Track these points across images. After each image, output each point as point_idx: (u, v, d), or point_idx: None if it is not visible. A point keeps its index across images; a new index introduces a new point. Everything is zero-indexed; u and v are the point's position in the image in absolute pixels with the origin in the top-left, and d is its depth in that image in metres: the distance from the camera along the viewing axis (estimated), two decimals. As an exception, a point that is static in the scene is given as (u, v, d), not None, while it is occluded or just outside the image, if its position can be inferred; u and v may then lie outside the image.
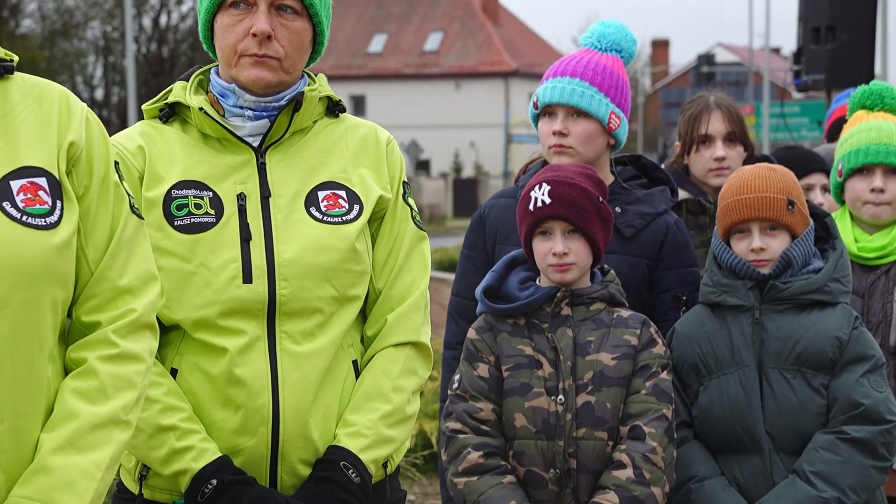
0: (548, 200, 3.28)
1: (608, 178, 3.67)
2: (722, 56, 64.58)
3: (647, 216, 3.62)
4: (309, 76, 2.88)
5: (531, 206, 3.32)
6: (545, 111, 3.60)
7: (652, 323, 3.38)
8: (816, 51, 9.28)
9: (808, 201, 3.64)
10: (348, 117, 2.91)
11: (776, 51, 52.51)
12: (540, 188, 3.31)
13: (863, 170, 3.94)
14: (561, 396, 3.24)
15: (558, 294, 3.31)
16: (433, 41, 63.55)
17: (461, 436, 3.29)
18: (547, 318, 3.31)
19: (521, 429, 3.27)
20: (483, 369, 3.33)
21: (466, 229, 3.83)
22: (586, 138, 3.55)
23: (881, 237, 3.94)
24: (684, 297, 3.62)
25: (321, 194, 2.76)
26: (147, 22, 47.84)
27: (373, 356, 2.81)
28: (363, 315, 2.86)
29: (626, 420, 3.27)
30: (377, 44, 64.95)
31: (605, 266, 3.45)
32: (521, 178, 3.75)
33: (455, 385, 3.36)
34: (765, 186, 3.47)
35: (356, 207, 2.77)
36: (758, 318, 3.45)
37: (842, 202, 4.05)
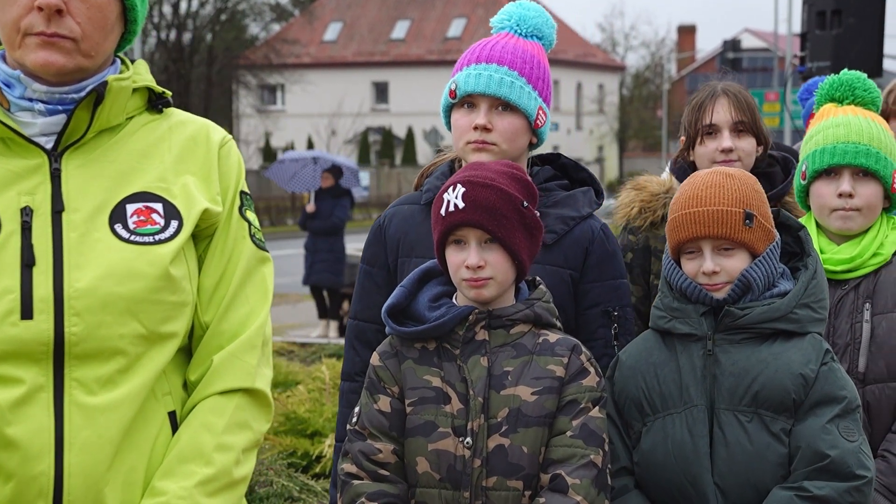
0: (461, 204, 2.83)
1: None
2: (749, 42, 63.70)
3: (570, 220, 3.18)
4: (123, 62, 2.36)
5: (443, 211, 2.86)
6: (463, 101, 3.14)
7: (584, 349, 2.92)
8: (821, 36, 8.83)
9: (780, 210, 3.11)
10: (176, 113, 2.40)
11: (803, 35, 51.63)
12: (454, 190, 2.86)
13: (829, 172, 3.41)
14: (468, 439, 2.79)
15: (471, 316, 2.86)
16: (456, 27, 63.12)
17: (356, 481, 2.85)
18: (459, 343, 2.86)
19: (424, 475, 2.83)
20: (384, 402, 2.89)
21: (365, 242, 3.35)
22: (512, 135, 3.11)
23: (849, 248, 3.42)
24: (615, 313, 3.18)
25: (130, 208, 2.25)
26: (167, 9, 47.48)
27: (194, 406, 2.31)
28: (189, 355, 2.37)
29: (547, 467, 2.82)
30: (400, 30, 64.61)
31: (537, 279, 2.99)
32: (426, 181, 3.31)
33: (354, 419, 2.93)
34: (716, 198, 2.96)
35: (174, 224, 2.27)
36: (710, 350, 2.97)
37: (807, 207, 3.52)
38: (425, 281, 3.00)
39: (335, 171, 14.76)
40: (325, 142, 52.34)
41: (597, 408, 2.86)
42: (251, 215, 2.42)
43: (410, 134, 56.97)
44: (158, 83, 2.38)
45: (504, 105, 3.09)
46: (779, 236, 3.05)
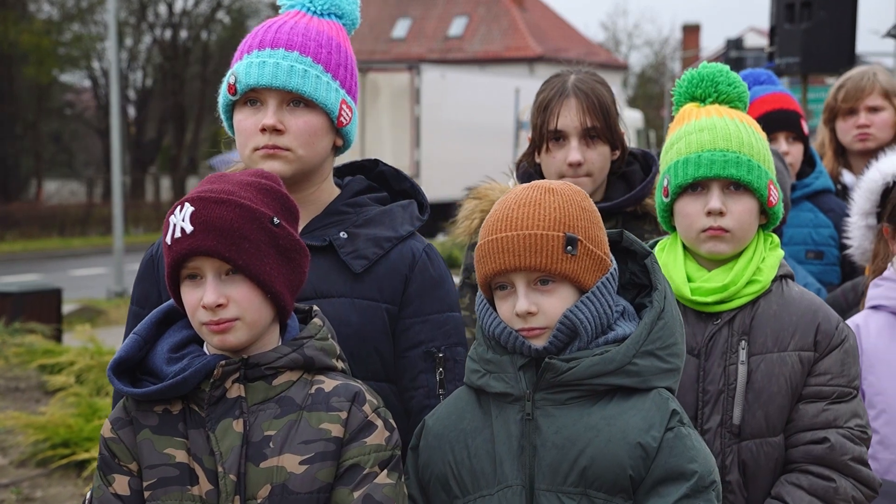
0: (189, 228, 2.25)
1: (332, 192, 2.67)
2: (752, 40, 62.98)
3: (385, 242, 2.61)
4: None
5: (168, 238, 2.28)
6: (246, 98, 2.56)
7: (372, 396, 2.35)
8: (790, 30, 8.20)
9: (623, 232, 2.49)
10: None
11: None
12: (181, 210, 2.27)
13: (695, 186, 2.77)
14: None
15: (216, 370, 2.28)
16: (457, 26, 62.55)
17: None
18: (206, 404, 2.29)
19: None
20: (121, 483, 2.31)
21: (135, 278, 2.75)
22: (309, 136, 2.55)
23: (720, 275, 2.79)
24: (441, 354, 2.60)
25: None
26: (162, 8, 47.05)
27: None
28: None
29: None
30: (401, 29, 64.05)
31: (314, 309, 2.41)
32: None
33: None
34: (530, 219, 2.35)
35: None
36: (530, 414, 2.35)
37: (672, 228, 2.89)
38: (168, 324, 2.40)
39: None
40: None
41: (385, 472, 2.29)
42: None
43: (410, 134, 56.44)
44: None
45: (297, 100, 2.53)
46: (615, 266, 2.42)
